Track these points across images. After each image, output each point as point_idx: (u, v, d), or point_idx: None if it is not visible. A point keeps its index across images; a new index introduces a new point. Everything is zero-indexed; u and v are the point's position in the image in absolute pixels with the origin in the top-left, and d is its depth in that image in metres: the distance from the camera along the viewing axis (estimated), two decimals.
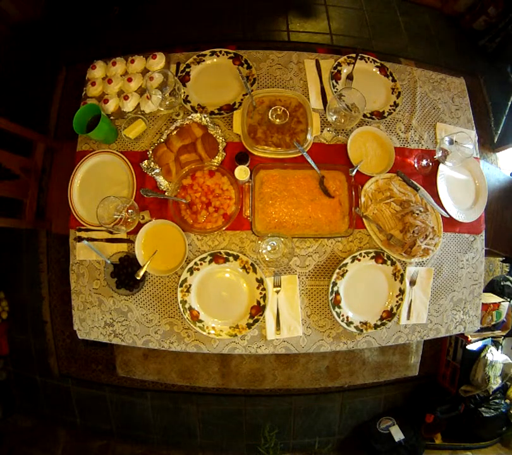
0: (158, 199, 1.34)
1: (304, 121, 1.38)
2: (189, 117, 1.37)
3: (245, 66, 1.46)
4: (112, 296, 1.35)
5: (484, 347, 2.17)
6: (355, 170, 1.35)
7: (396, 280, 1.38)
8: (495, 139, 2.59)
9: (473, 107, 1.61)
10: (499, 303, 2.13)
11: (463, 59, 2.66)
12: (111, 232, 1.34)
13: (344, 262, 1.33)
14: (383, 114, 1.48)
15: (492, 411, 2.09)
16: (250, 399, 2.22)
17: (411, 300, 1.40)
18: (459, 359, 2.19)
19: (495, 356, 2.12)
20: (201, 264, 1.31)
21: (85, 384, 2.24)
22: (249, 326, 1.30)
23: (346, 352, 1.79)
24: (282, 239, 1.25)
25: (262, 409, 2.24)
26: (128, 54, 1.49)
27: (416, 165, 1.46)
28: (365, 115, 1.45)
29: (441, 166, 1.45)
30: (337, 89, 1.47)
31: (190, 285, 1.32)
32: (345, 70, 1.51)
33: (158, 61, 1.44)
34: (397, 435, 2.09)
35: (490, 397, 2.12)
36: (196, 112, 1.39)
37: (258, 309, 1.31)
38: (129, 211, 1.24)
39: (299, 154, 1.34)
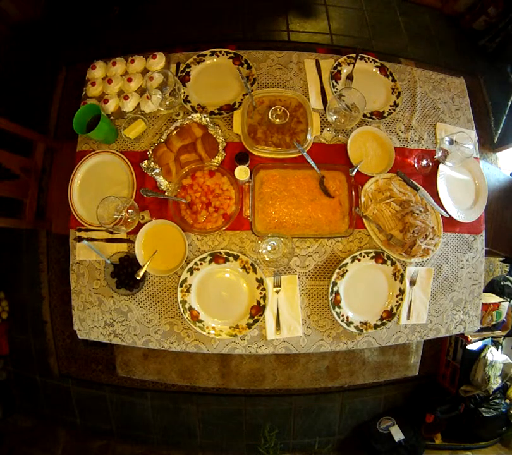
0: (158, 199, 1.34)
1: (304, 121, 1.38)
2: (189, 117, 1.37)
3: (245, 66, 1.46)
4: (112, 296, 1.35)
5: (484, 347, 2.17)
6: (355, 170, 1.35)
7: (396, 280, 1.38)
8: (495, 139, 2.59)
9: (473, 107, 1.61)
10: (499, 303, 2.13)
11: (463, 59, 2.66)
12: (111, 232, 1.34)
13: (344, 262, 1.33)
14: (383, 114, 1.48)
15: (492, 411, 2.09)
16: (250, 399, 2.23)
17: (411, 300, 1.40)
18: (459, 359, 2.19)
19: (495, 356, 2.12)
20: (201, 264, 1.31)
21: (85, 384, 2.24)
22: (249, 326, 1.30)
23: (346, 352, 1.79)
24: (282, 239, 1.25)
25: (261, 409, 2.24)
26: (128, 54, 1.49)
27: (416, 165, 1.46)
28: (365, 115, 1.45)
29: (441, 166, 1.45)
30: (337, 89, 1.47)
31: (190, 285, 1.32)
32: (345, 70, 1.51)
33: (158, 61, 1.44)
34: (397, 435, 2.09)
35: (490, 397, 2.12)
36: (196, 112, 1.39)
37: (258, 309, 1.31)
38: (129, 211, 1.24)
39: (299, 154, 1.34)
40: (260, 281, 1.31)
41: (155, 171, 1.34)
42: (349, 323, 1.34)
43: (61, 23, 2.52)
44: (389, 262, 1.36)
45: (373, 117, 1.47)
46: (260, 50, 1.52)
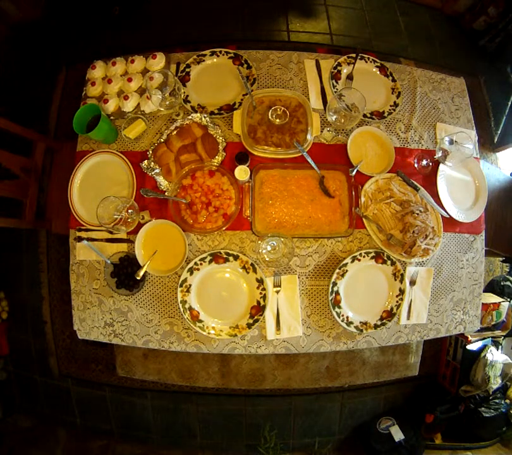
0: (158, 199, 1.34)
1: (304, 121, 1.38)
2: (189, 117, 1.37)
3: (245, 66, 1.46)
4: (112, 296, 1.35)
5: (484, 347, 2.16)
6: (355, 170, 1.35)
7: (396, 280, 1.38)
8: (495, 139, 2.59)
9: (473, 107, 1.61)
10: (499, 303, 2.13)
11: (463, 59, 2.66)
12: (111, 232, 1.34)
13: (344, 262, 1.33)
14: (383, 114, 1.48)
15: (492, 411, 2.09)
16: (250, 399, 2.23)
17: (411, 300, 1.40)
18: (459, 359, 2.19)
19: (495, 356, 2.12)
20: (201, 264, 1.31)
21: (85, 384, 2.24)
22: (249, 326, 1.30)
23: (346, 352, 1.79)
24: (282, 239, 1.25)
25: (261, 409, 2.24)
26: (128, 54, 1.49)
27: (416, 165, 1.46)
28: (365, 115, 1.45)
29: (441, 166, 1.45)
30: (337, 89, 1.47)
31: (190, 285, 1.32)
32: (345, 70, 1.51)
33: (158, 61, 1.44)
34: (397, 435, 2.09)
35: (490, 397, 2.12)
36: (196, 112, 1.39)
37: (258, 309, 1.31)
38: (129, 211, 1.24)
39: (299, 154, 1.34)
40: (260, 281, 1.31)
41: (155, 171, 1.34)
42: (349, 323, 1.34)
43: (61, 23, 2.52)
44: (389, 262, 1.36)
45: (373, 117, 1.47)
46: (260, 50, 1.52)
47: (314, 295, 1.36)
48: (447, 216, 1.41)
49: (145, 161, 1.35)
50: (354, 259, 1.34)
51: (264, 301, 1.30)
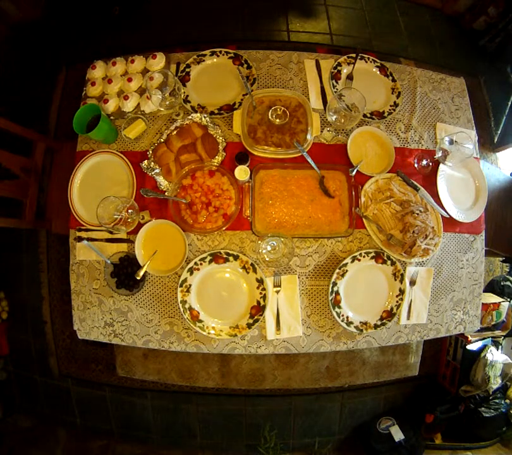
0: (158, 199, 1.34)
1: (304, 121, 1.38)
2: (189, 117, 1.37)
3: (245, 66, 1.46)
4: (112, 296, 1.35)
5: (484, 347, 2.16)
6: (355, 170, 1.35)
7: (396, 280, 1.38)
8: (495, 139, 2.59)
9: (473, 107, 1.61)
10: (499, 303, 2.13)
11: (463, 59, 2.66)
12: (111, 232, 1.34)
13: (344, 262, 1.33)
14: (383, 114, 1.48)
15: (492, 411, 2.09)
16: (250, 399, 2.22)
17: (411, 300, 1.40)
18: (459, 359, 2.19)
19: (495, 356, 2.12)
20: (201, 264, 1.31)
21: (85, 384, 2.24)
22: (249, 326, 1.30)
23: (346, 352, 1.79)
24: (282, 239, 1.25)
25: (261, 409, 2.24)
26: (128, 54, 1.49)
27: (416, 165, 1.46)
28: (365, 115, 1.45)
29: (441, 166, 1.45)
30: (337, 89, 1.47)
31: (190, 285, 1.32)
32: (345, 70, 1.51)
33: (158, 61, 1.44)
34: (397, 435, 2.09)
35: (490, 397, 2.12)
36: (196, 112, 1.39)
37: (258, 309, 1.31)
38: (129, 211, 1.24)
39: (299, 154, 1.34)
40: (260, 281, 1.31)
41: (155, 171, 1.34)
42: (349, 323, 1.34)
43: (61, 23, 2.52)
44: (389, 262, 1.36)
45: (373, 117, 1.47)
46: (260, 50, 1.52)
47: (314, 295, 1.36)
48: (447, 216, 1.41)
49: (145, 161, 1.35)
50: (354, 259, 1.34)
51: (264, 301, 1.30)
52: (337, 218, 1.36)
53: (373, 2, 2.70)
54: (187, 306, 1.31)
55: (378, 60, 1.55)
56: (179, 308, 1.30)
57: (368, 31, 2.62)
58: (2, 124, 1.51)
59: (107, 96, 1.42)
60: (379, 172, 1.40)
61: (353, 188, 1.35)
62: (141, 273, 1.24)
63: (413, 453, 2.07)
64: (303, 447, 2.27)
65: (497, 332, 2.19)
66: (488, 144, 2.59)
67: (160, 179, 1.34)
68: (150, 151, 1.36)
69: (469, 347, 2.15)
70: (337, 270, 1.33)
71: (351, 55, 1.52)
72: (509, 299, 2.20)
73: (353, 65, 1.51)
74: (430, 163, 1.47)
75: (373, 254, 1.35)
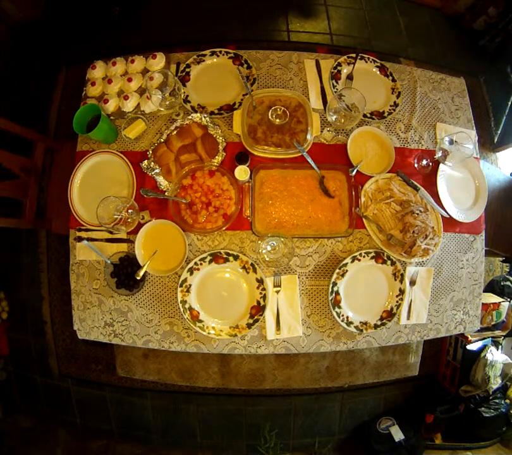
0: (158, 199, 1.34)
1: (304, 121, 1.38)
2: (189, 117, 1.37)
3: (245, 66, 1.46)
4: (112, 296, 1.35)
5: (484, 347, 2.16)
6: (355, 170, 1.35)
7: (396, 280, 1.38)
8: (495, 139, 2.59)
9: (473, 107, 1.61)
10: (499, 303, 2.13)
11: (463, 59, 2.66)
12: (111, 232, 1.34)
13: (344, 262, 1.33)
14: (383, 114, 1.48)
15: (492, 411, 2.09)
16: (250, 399, 2.22)
17: (411, 300, 1.40)
18: (459, 359, 2.19)
19: (495, 356, 2.12)
20: (201, 264, 1.31)
21: (85, 384, 2.25)
22: (249, 326, 1.30)
23: (346, 352, 1.79)
24: (282, 239, 1.25)
25: (261, 409, 2.24)
26: (128, 54, 1.49)
27: (416, 165, 1.46)
28: (365, 115, 1.45)
29: (441, 166, 1.45)
30: (337, 89, 1.47)
31: (190, 285, 1.32)
32: (345, 70, 1.51)
33: (158, 61, 1.44)
34: (397, 435, 2.09)
35: (490, 397, 2.12)
36: (196, 112, 1.39)
37: (258, 309, 1.31)
38: (129, 211, 1.24)
39: (299, 154, 1.34)
40: (260, 281, 1.31)
41: (155, 171, 1.34)
42: (349, 323, 1.34)
43: (61, 23, 2.52)
44: (389, 262, 1.36)
45: (373, 117, 1.47)
46: (260, 50, 1.52)
47: (314, 295, 1.36)
48: (447, 216, 1.41)
49: (145, 161, 1.35)
50: (354, 259, 1.34)
51: (264, 301, 1.30)
52: (337, 218, 1.36)
53: (373, 2, 2.70)
54: (187, 306, 1.31)
55: (378, 60, 1.55)
56: (179, 308, 1.30)
57: (368, 31, 2.62)
58: (2, 124, 1.51)
59: (107, 96, 1.42)
60: (379, 172, 1.40)
61: (353, 188, 1.35)
62: (141, 273, 1.24)
63: (413, 453, 2.07)
64: (303, 447, 2.27)
65: (497, 332, 2.19)
66: (488, 144, 2.59)
67: (160, 179, 1.34)
68: (150, 151, 1.36)
69: (469, 347, 2.15)
70: (337, 270, 1.33)
71: (351, 55, 1.52)
72: (509, 299, 2.20)
73: (353, 65, 1.51)
74: (430, 163, 1.47)
75: (373, 254, 1.35)
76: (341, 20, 2.62)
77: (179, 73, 1.47)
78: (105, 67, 1.48)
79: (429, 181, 1.45)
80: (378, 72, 1.55)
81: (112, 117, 1.42)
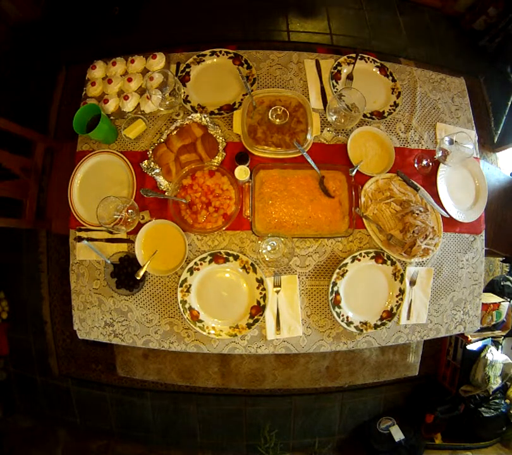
0: (158, 199, 1.34)
1: (304, 121, 1.38)
2: (189, 117, 1.37)
3: (245, 66, 1.46)
4: (112, 296, 1.35)
5: (484, 347, 2.16)
6: (355, 170, 1.35)
7: (396, 280, 1.38)
8: (495, 139, 2.59)
9: (473, 107, 1.61)
10: (499, 303, 2.13)
11: (463, 59, 2.66)
12: (111, 232, 1.34)
13: (344, 262, 1.33)
14: (383, 114, 1.48)
15: (492, 411, 2.09)
16: (250, 399, 2.22)
17: (411, 300, 1.40)
18: (459, 359, 2.19)
19: (495, 356, 2.12)
20: (201, 264, 1.31)
21: (85, 384, 2.25)
22: (249, 326, 1.30)
23: (346, 352, 1.79)
24: (282, 239, 1.25)
25: (261, 409, 2.24)
26: (128, 54, 1.49)
27: (416, 165, 1.46)
28: (365, 115, 1.45)
29: (441, 166, 1.45)
30: (337, 89, 1.47)
31: (190, 285, 1.32)
32: (345, 70, 1.51)
33: (158, 61, 1.44)
34: (397, 435, 2.09)
35: (490, 397, 2.12)
36: (196, 112, 1.39)
37: (258, 309, 1.31)
38: (129, 211, 1.24)
39: (299, 154, 1.34)
40: (260, 281, 1.31)
41: (155, 171, 1.34)
42: (349, 323, 1.34)
43: (61, 23, 2.52)
44: (389, 262, 1.36)
45: (373, 117, 1.47)
46: (260, 50, 1.52)
47: (314, 295, 1.36)
48: (447, 216, 1.41)
49: (145, 161, 1.35)
50: (354, 259, 1.34)
51: (264, 301, 1.30)
52: (337, 218, 1.36)
53: (373, 2, 2.69)
54: (187, 306, 1.31)
55: (378, 60, 1.55)
56: (179, 308, 1.30)
57: (368, 31, 2.61)
58: (2, 124, 1.51)
59: (107, 96, 1.42)
60: (379, 172, 1.40)
61: (353, 188, 1.35)
62: (141, 273, 1.24)
63: (413, 453, 2.07)
64: (303, 447, 2.27)
65: (497, 332, 2.19)
66: (488, 144, 2.59)
67: (160, 179, 1.34)
68: (150, 151, 1.36)
69: (469, 347, 2.15)
70: (337, 270, 1.33)
71: (351, 55, 1.52)
72: (509, 299, 2.20)
73: (353, 65, 1.51)
74: (430, 163, 1.47)
75: (373, 254, 1.35)
76: (341, 20, 2.62)
77: (179, 73, 1.47)
78: (105, 67, 1.47)
79: (429, 181, 1.45)
80: (378, 72, 1.55)
81: (112, 117, 1.42)
